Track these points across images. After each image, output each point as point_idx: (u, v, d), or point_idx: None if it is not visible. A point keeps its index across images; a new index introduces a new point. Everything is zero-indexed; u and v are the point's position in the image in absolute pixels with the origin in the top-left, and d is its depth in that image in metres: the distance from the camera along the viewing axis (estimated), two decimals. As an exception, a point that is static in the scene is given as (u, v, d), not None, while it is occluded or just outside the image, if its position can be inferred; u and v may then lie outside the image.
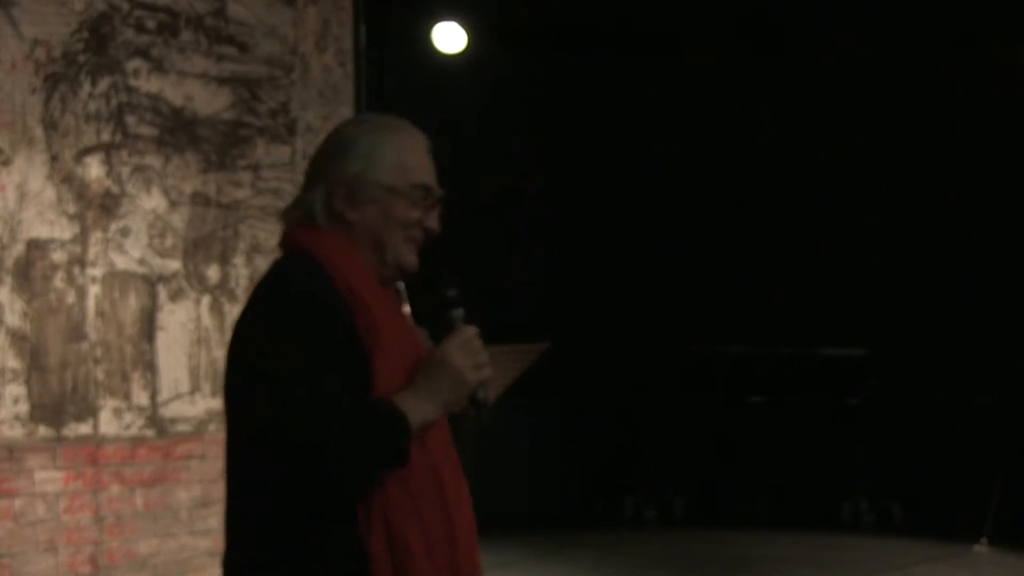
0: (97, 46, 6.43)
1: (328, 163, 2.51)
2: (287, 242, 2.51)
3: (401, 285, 5.37)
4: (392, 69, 9.21)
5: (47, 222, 6.22)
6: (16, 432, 6.04)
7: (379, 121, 2.61)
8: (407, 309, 5.36)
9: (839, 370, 9.73)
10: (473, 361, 2.45)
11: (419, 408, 2.36)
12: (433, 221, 2.54)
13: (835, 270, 10.04)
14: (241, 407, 2.38)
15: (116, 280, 6.40)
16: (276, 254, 2.62)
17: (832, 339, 9.78)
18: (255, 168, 7.08)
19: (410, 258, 2.53)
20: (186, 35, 6.81)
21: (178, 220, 6.62)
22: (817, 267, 10.06)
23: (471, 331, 2.49)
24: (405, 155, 2.53)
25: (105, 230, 6.36)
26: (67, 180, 6.30)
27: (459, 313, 2.52)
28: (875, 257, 9.96)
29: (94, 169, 6.41)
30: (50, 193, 6.24)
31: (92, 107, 6.41)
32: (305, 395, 2.26)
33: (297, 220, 2.51)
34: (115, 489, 6.22)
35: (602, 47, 10.19)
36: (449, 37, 8.89)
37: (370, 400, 2.33)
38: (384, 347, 2.39)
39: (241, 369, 2.39)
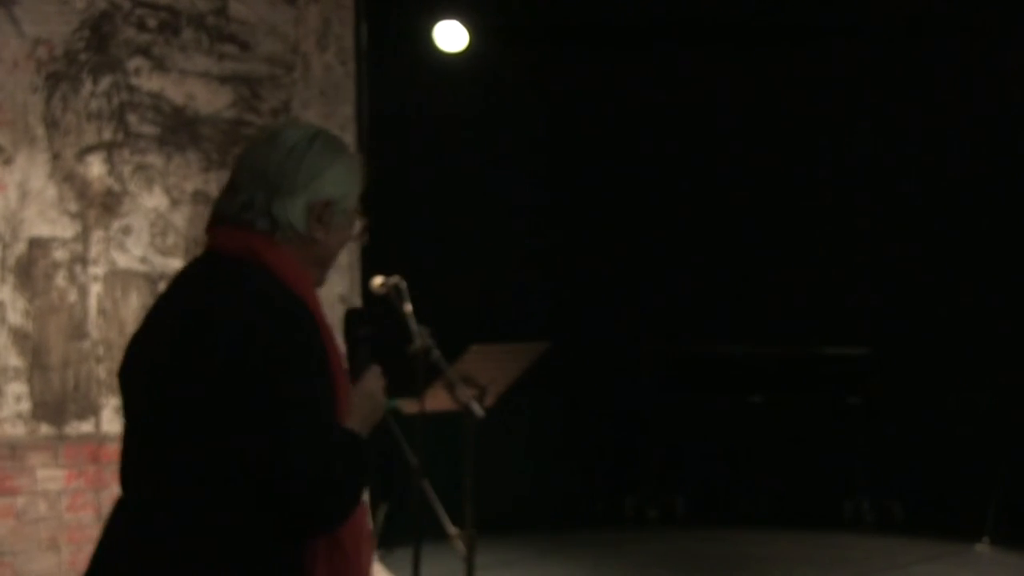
0: (98, 45, 6.44)
1: (309, 179, 2.51)
2: (238, 246, 2.48)
3: (403, 284, 5.38)
4: (393, 68, 9.20)
5: (49, 221, 6.22)
6: (18, 430, 6.04)
7: (343, 143, 2.65)
8: (408, 307, 5.37)
9: (841, 369, 9.72)
10: (384, 396, 2.60)
11: (363, 433, 2.50)
12: None
13: (837, 269, 10.04)
14: (210, 418, 2.35)
15: (118, 279, 6.40)
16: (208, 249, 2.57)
17: (834, 338, 9.77)
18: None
19: None
20: (187, 34, 6.82)
21: (179, 219, 6.63)
22: (819, 266, 10.05)
23: (379, 368, 2.61)
24: (359, 186, 2.62)
25: (107, 229, 6.37)
26: (69, 179, 6.31)
27: (368, 350, 2.61)
28: (877, 256, 9.95)
29: (95, 168, 6.42)
30: (52, 192, 6.25)
31: (94, 106, 6.42)
32: (309, 424, 2.32)
33: (247, 222, 2.49)
34: (117, 488, 6.22)
35: (603, 45, 10.18)
36: (450, 36, 8.88)
37: (343, 427, 2.42)
38: (338, 367, 2.46)
39: (215, 380, 2.34)
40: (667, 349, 10.03)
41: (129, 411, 2.56)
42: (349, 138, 7.67)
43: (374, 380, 2.57)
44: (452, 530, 5.69)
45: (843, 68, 9.97)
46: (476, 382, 5.79)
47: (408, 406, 6.19)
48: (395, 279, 5.49)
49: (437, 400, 5.60)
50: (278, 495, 2.32)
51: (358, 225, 2.62)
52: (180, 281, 2.57)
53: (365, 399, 2.53)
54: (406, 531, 5.97)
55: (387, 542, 7.91)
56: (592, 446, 10.09)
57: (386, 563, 7.58)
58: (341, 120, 7.61)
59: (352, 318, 2.61)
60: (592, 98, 10.28)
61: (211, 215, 2.58)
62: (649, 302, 10.28)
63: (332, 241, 2.55)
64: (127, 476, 2.55)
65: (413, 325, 5.32)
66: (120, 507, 2.54)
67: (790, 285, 10.07)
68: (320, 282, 2.58)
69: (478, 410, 5.29)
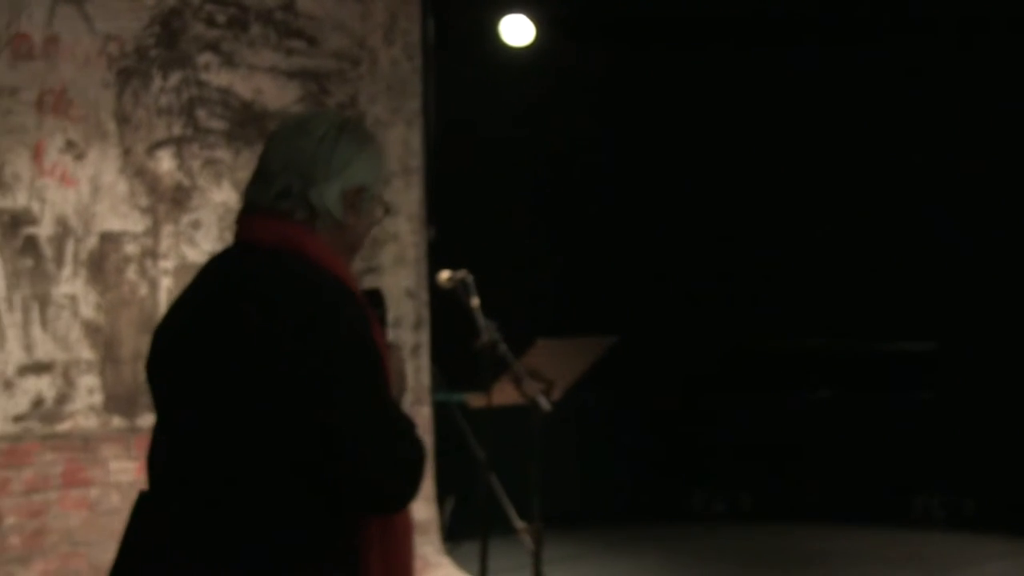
0: (168, 41, 6.50)
1: (342, 166, 2.52)
2: (275, 235, 2.48)
3: (470, 278, 5.38)
4: (460, 62, 9.21)
5: (120, 215, 6.29)
6: (91, 423, 6.12)
7: (369, 131, 2.66)
8: (475, 301, 5.37)
9: (910, 364, 9.62)
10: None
11: None
12: None
13: (907, 262, 9.93)
14: (272, 409, 2.34)
15: (187, 272, 6.45)
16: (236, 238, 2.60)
17: (903, 332, 9.67)
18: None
19: None
20: (256, 29, 6.86)
21: (248, 213, 6.67)
22: (888, 260, 9.95)
23: (398, 349, 2.63)
24: (385, 171, 2.64)
25: (176, 223, 6.42)
26: (139, 174, 6.37)
27: (388, 330, 2.63)
28: (949, 249, 9.83)
29: (165, 162, 6.48)
30: (123, 186, 6.31)
31: (163, 101, 6.47)
32: (373, 409, 2.35)
33: (285, 211, 2.50)
34: (187, 479, 6.28)
35: (670, 38, 10.13)
36: (517, 30, 8.86)
37: (398, 407, 2.45)
38: (384, 351, 2.45)
39: (274, 372, 2.33)
40: (736, 342, 9.98)
41: (161, 404, 2.55)
42: (415, 133, 7.69)
43: (397, 360, 2.56)
44: (519, 524, 5.68)
45: (923, 64, 9.84)
46: (543, 376, 5.78)
47: (475, 400, 6.19)
48: (462, 273, 5.49)
49: (504, 394, 5.60)
50: (350, 482, 2.33)
51: (380, 211, 2.64)
52: (210, 272, 2.55)
53: (397, 378, 2.54)
54: (473, 525, 5.98)
55: (454, 536, 7.92)
56: (659, 440, 10.06)
57: (453, 556, 7.60)
58: (408, 115, 7.63)
59: (369, 298, 2.59)
60: (659, 91, 10.23)
61: (243, 205, 2.58)
62: (716, 296, 10.22)
63: (362, 227, 2.57)
64: (158, 471, 2.52)
65: (480, 319, 5.33)
66: (147, 503, 2.51)
67: (859, 279, 9.98)
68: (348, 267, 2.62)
69: (545, 404, 5.28)
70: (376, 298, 2.60)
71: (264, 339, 2.35)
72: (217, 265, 2.56)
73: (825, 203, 10.12)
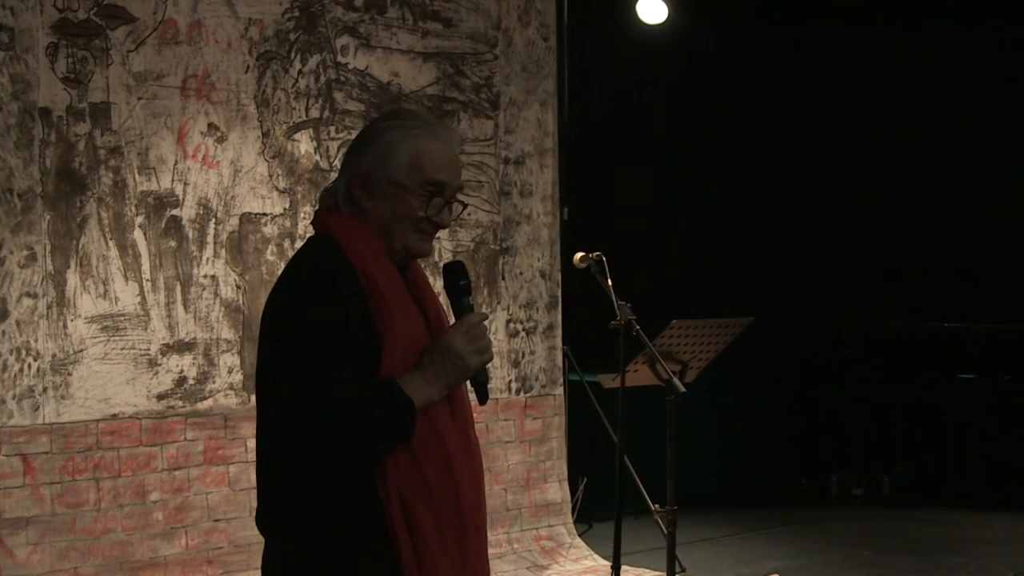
0: (307, 24, 6.58)
1: (353, 156, 2.72)
2: (316, 223, 2.74)
3: (604, 259, 5.35)
4: (594, 42, 9.17)
5: (259, 197, 6.39)
6: (230, 401, 6.24)
7: (406, 121, 2.75)
8: (609, 282, 5.34)
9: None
10: (475, 346, 2.63)
11: (423, 390, 2.56)
12: (444, 216, 2.71)
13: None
14: (261, 381, 2.63)
15: (325, 253, 6.54)
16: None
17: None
18: (459, 142, 7.14)
19: (419, 245, 2.70)
20: (392, 12, 6.92)
21: (384, 194, 6.72)
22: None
23: (476, 318, 2.66)
24: (420, 155, 2.68)
25: (314, 204, 6.50)
26: (278, 155, 6.47)
27: (467, 301, 2.71)
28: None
29: (303, 145, 6.56)
30: (262, 168, 6.41)
31: (302, 84, 6.56)
32: (315, 377, 2.47)
33: (326, 205, 2.74)
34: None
35: (800, 16, 9.97)
36: (651, 8, 8.78)
37: (378, 381, 2.52)
38: (394, 327, 2.57)
39: (263, 344, 2.62)
40: (876, 324, 9.82)
41: None
42: (550, 114, 7.68)
43: (458, 334, 2.62)
44: (654, 506, 5.67)
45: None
46: (678, 357, 5.76)
47: (609, 381, 6.18)
48: (596, 254, 5.49)
49: (638, 375, 5.58)
50: (294, 439, 2.50)
51: (435, 205, 2.68)
52: None
53: (438, 353, 2.59)
54: (607, 506, 5.98)
55: (587, 517, 7.93)
56: (796, 423, 9.95)
57: (586, 538, 7.60)
58: (542, 95, 7.63)
59: (446, 271, 2.74)
60: (791, 69, 10.09)
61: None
62: (857, 277, 10.07)
63: (380, 209, 2.66)
64: None
65: (615, 300, 5.32)
66: None
67: (1003, 261, 9.76)
68: (395, 252, 2.67)
69: (679, 386, 5.26)
70: (454, 270, 2.72)
71: (264, 307, 2.69)
72: None
73: (966, 183, 9.89)
